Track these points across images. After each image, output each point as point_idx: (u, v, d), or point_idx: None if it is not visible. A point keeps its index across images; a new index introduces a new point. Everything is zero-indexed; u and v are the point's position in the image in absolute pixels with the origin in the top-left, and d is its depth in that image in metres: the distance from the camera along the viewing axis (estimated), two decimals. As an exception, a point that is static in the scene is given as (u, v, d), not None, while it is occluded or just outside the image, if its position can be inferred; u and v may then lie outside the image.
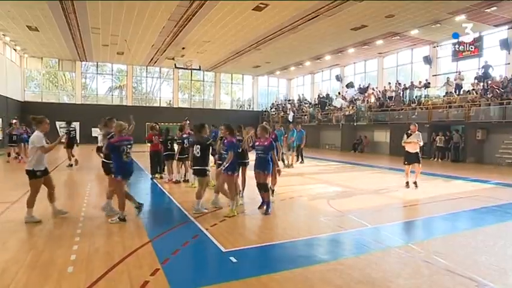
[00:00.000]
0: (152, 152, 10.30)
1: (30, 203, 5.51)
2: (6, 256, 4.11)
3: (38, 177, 5.52)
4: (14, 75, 25.38)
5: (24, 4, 15.65)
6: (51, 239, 4.72)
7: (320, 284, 3.50)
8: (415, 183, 9.10)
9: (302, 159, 15.57)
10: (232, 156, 6.18)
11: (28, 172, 5.48)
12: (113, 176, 5.79)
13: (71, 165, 12.43)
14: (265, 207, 6.36)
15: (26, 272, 3.64)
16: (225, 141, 6.51)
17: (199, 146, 6.31)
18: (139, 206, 5.91)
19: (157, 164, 10.51)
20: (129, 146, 5.71)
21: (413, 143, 9.02)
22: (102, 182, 9.92)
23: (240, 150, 6.78)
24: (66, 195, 7.88)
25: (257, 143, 6.49)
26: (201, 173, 6.34)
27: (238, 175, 6.63)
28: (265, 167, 6.32)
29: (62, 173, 11.54)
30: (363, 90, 25.46)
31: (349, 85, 26.31)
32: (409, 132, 9.15)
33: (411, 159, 9.11)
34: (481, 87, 17.69)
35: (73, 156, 12.63)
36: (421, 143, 9.16)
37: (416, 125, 9.33)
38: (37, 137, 5.51)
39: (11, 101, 24.23)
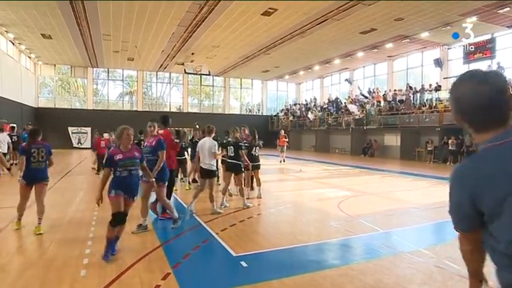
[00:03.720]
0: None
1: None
2: (21, 259, 4.20)
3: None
4: (28, 82, 25.97)
5: (38, 12, 16.02)
6: (65, 243, 4.80)
7: (331, 289, 3.48)
8: None
9: None
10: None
11: None
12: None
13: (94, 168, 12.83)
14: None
15: (40, 275, 3.71)
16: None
17: (232, 147, 7.19)
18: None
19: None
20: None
21: None
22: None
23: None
24: (78, 199, 8.00)
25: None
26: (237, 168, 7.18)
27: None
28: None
29: (75, 178, 11.73)
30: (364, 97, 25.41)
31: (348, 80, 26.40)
32: None
33: None
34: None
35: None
36: None
37: None
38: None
39: (26, 107, 24.76)
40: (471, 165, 1.31)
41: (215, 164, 6.67)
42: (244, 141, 7.98)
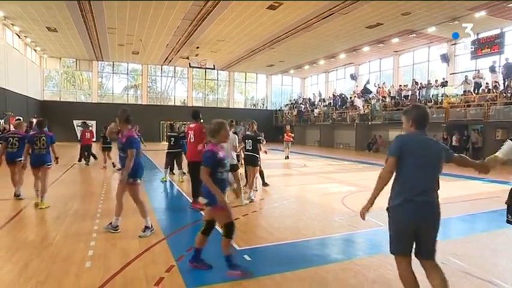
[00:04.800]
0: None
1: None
2: (29, 250, 4.25)
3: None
4: (34, 75, 26.10)
5: (44, 5, 16.04)
6: (70, 235, 4.85)
7: (334, 284, 3.49)
8: None
9: None
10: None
11: None
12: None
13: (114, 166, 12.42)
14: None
15: (47, 266, 3.75)
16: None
17: (251, 141, 7.39)
18: None
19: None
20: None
21: None
22: (118, 180, 10.11)
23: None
24: (83, 193, 8.06)
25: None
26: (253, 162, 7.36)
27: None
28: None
29: (80, 171, 11.81)
30: (367, 91, 25.21)
31: (366, 90, 25.85)
32: None
33: None
34: (503, 86, 17.19)
35: (110, 158, 12.63)
36: None
37: None
38: None
39: (31, 100, 24.91)
40: (406, 136, 2.82)
41: (236, 158, 6.88)
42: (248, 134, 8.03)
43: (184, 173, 9.81)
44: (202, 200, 3.69)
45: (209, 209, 3.64)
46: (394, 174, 2.75)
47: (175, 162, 10.00)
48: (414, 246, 2.73)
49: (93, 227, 5.22)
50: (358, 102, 25.23)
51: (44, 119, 7.11)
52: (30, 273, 3.55)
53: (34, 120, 16.08)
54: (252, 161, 7.49)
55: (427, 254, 2.74)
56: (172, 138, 9.79)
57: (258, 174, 7.98)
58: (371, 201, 2.84)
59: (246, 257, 4.11)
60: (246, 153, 7.59)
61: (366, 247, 4.71)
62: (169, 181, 9.82)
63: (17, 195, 7.05)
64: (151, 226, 4.95)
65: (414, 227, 2.67)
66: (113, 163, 12.37)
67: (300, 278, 3.60)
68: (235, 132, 7.52)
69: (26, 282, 3.36)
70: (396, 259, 2.80)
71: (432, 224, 2.70)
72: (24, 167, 6.63)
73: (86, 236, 4.75)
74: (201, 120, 6.71)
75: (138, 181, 4.92)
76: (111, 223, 5.00)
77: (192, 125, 6.66)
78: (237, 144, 6.90)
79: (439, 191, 2.72)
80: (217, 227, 5.25)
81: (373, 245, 4.70)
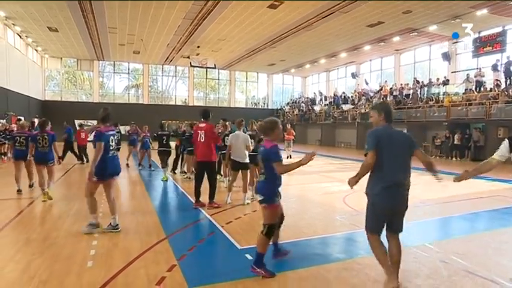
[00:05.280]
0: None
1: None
2: (30, 249, 4.26)
3: None
4: (35, 75, 26.15)
5: (45, 5, 16.05)
6: (72, 234, 4.85)
7: (336, 283, 3.48)
8: None
9: None
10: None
11: None
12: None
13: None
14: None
15: (49, 265, 3.76)
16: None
17: (252, 140, 7.19)
18: None
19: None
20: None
21: None
22: (119, 180, 10.13)
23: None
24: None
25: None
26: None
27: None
28: None
29: (81, 171, 11.83)
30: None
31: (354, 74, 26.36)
32: None
33: None
34: (505, 84, 17.13)
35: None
36: None
37: None
38: None
39: (33, 100, 24.96)
40: (379, 130, 3.18)
41: (247, 157, 6.83)
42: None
43: (181, 172, 9.97)
44: (258, 197, 3.73)
45: (264, 205, 3.65)
46: (376, 163, 3.11)
47: (167, 160, 10.21)
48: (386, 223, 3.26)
49: (94, 226, 5.22)
50: (346, 107, 25.58)
51: (46, 119, 7.38)
52: (33, 272, 3.56)
53: (36, 120, 16.10)
54: (255, 160, 7.45)
55: (396, 231, 3.29)
56: (164, 137, 10.01)
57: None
58: (358, 178, 3.17)
59: (248, 256, 4.11)
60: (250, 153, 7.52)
61: (368, 246, 4.67)
62: (172, 180, 9.83)
63: (30, 186, 7.86)
64: (97, 224, 4.91)
65: (390, 211, 3.19)
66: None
67: (301, 277, 3.60)
68: (244, 132, 7.41)
69: (28, 281, 3.37)
70: (370, 235, 3.27)
71: (404, 207, 3.25)
72: (31, 164, 7.41)
73: (87, 236, 4.75)
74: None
75: (94, 178, 4.74)
76: (110, 224, 4.97)
77: (201, 125, 6.55)
78: (250, 144, 6.84)
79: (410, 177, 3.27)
80: (219, 226, 5.27)
81: (374, 243, 4.69)
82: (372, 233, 3.25)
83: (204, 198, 6.59)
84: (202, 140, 6.43)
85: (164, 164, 10.04)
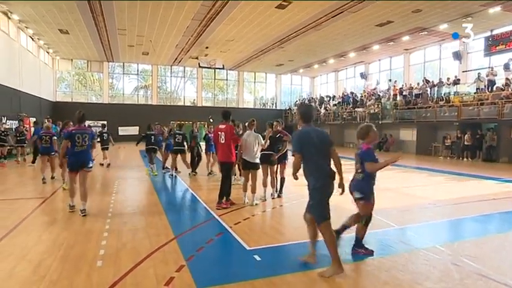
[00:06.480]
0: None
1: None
2: (41, 249, 4.32)
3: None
4: (46, 77, 26.54)
5: (55, 5, 16.27)
6: (82, 234, 4.90)
7: (345, 285, 3.45)
8: None
9: None
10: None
11: None
12: None
13: (101, 164, 12.87)
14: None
15: (59, 264, 3.81)
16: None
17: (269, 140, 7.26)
18: None
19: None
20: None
21: None
22: (128, 180, 10.22)
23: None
24: (95, 192, 8.16)
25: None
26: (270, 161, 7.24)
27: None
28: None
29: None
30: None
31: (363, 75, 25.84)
32: None
33: None
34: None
35: (106, 158, 13.06)
36: None
37: None
38: None
39: (44, 101, 25.34)
40: (303, 131, 3.73)
41: (259, 157, 6.86)
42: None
43: (208, 174, 10.50)
44: (356, 194, 4.20)
45: (362, 203, 4.16)
46: (307, 162, 3.67)
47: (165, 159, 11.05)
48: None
49: (104, 226, 5.27)
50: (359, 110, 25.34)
51: (68, 121, 8.87)
52: (43, 272, 3.60)
53: (46, 121, 16.33)
54: (266, 159, 7.40)
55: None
56: (152, 137, 11.03)
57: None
58: (293, 174, 3.73)
59: (256, 257, 4.10)
60: (264, 152, 7.37)
61: (377, 248, 4.63)
62: (180, 180, 9.88)
63: (52, 177, 9.30)
64: (73, 206, 6.11)
65: (330, 195, 3.76)
66: (103, 163, 12.88)
67: (310, 278, 3.57)
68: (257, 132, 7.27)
69: (39, 280, 3.41)
70: (325, 223, 3.69)
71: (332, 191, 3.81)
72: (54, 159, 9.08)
73: (97, 236, 4.80)
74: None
75: (68, 169, 6.10)
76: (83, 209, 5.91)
77: (222, 126, 6.63)
78: (263, 142, 6.84)
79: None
80: (227, 227, 5.27)
81: (384, 245, 4.63)
82: (327, 219, 3.68)
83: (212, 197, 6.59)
84: (223, 142, 6.52)
85: (152, 161, 11.06)
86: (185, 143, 10.53)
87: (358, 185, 4.19)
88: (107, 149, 13.25)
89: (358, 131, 4.27)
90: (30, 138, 14.68)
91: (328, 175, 3.67)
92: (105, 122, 16.30)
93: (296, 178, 3.80)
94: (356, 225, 4.25)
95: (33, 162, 12.94)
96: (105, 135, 13.40)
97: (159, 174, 10.96)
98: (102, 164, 12.87)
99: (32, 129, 15.80)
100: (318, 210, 3.72)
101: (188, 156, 10.92)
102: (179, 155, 10.44)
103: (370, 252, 4.21)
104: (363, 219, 4.20)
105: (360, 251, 4.24)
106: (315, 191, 3.68)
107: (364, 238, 4.28)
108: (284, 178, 7.61)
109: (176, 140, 10.42)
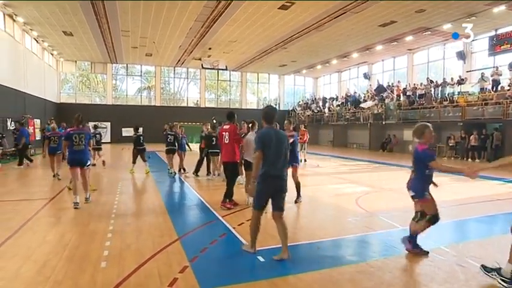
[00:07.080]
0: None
1: None
2: (46, 249, 4.35)
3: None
4: (51, 79, 26.72)
5: (58, 6, 16.36)
6: (86, 235, 4.93)
7: (349, 286, 3.44)
8: None
9: None
10: None
11: None
12: None
13: (94, 165, 12.73)
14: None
15: (64, 265, 3.82)
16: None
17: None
18: None
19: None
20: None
21: None
22: (132, 180, 10.25)
23: None
24: (99, 193, 8.19)
25: None
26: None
27: None
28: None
29: (94, 172, 12.01)
30: (381, 89, 24.74)
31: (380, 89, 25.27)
32: None
33: None
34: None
35: (99, 156, 13.26)
36: None
37: None
38: None
39: (49, 102, 25.50)
40: (264, 131, 4.11)
41: None
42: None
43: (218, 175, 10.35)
44: (410, 192, 4.24)
45: (417, 200, 4.25)
46: (265, 158, 3.98)
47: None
48: (271, 203, 4.17)
49: (108, 227, 5.29)
50: (368, 104, 24.89)
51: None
52: (48, 272, 3.62)
53: (49, 122, 16.45)
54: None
55: (277, 209, 4.15)
56: (141, 137, 11.40)
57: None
58: (255, 177, 4.07)
59: (260, 258, 4.10)
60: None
61: (381, 249, 4.63)
62: (184, 181, 9.90)
63: (57, 175, 9.84)
64: (77, 203, 6.45)
65: (271, 192, 4.09)
66: (102, 162, 13.13)
67: (314, 279, 3.56)
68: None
69: (44, 281, 3.43)
70: (255, 212, 4.18)
71: (283, 190, 4.14)
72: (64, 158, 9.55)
73: (101, 236, 4.82)
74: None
75: (68, 166, 6.70)
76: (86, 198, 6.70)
77: (226, 126, 6.79)
78: None
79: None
80: (231, 228, 5.27)
81: (388, 246, 4.62)
82: (258, 210, 4.16)
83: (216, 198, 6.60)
84: (227, 142, 6.63)
85: (135, 160, 11.46)
86: (176, 143, 11.07)
87: (412, 183, 4.29)
88: (100, 149, 13.35)
89: (414, 130, 4.31)
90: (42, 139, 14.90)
91: (277, 175, 4.02)
92: (97, 123, 16.19)
93: (254, 179, 4.09)
94: (417, 224, 4.25)
95: (20, 164, 12.80)
96: (97, 136, 13.51)
97: (163, 176, 10.98)
98: (94, 164, 12.66)
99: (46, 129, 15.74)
100: (256, 198, 4.14)
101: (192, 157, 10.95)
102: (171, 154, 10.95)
103: (424, 252, 4.23)
104: (430, 218, 4.18)
105: (411, 249, 4.25)
106: (259, 183, 4.04)
107: (418, 235, 4.27)
108: (299, 183, 7.19)
109: (168, 140, 10.98)
